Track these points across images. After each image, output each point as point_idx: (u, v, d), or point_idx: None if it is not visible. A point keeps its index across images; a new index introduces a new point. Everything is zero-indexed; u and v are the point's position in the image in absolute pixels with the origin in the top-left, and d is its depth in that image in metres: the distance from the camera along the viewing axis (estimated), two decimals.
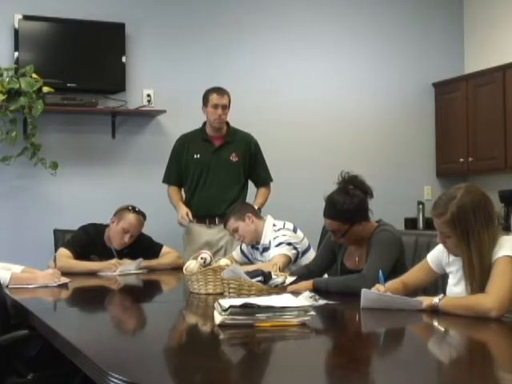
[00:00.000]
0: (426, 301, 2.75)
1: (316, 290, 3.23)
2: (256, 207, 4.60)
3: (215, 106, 4.77)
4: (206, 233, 4.83)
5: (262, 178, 4.97)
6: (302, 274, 3.54)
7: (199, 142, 4.90)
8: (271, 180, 5.01)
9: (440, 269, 2.96)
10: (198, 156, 4.87)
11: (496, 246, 2.71)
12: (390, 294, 2.85)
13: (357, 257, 3.52)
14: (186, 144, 4.94)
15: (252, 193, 5.01)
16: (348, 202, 3.40)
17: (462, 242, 2.73)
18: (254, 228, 4.18)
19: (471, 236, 2.71)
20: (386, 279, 2.99)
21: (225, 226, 4.38)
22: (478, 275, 2.70)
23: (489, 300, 2.60)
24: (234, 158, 4.84)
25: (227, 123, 4.92)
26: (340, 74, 6.26)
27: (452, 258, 2.87)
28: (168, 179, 4.99)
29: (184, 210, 4.77)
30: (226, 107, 4.79)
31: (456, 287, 2.86)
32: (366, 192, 3.48)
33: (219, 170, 4.82)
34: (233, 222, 4.23)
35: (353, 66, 6.29)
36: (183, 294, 3.68)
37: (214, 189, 4.81)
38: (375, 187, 3.51)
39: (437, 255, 2.97)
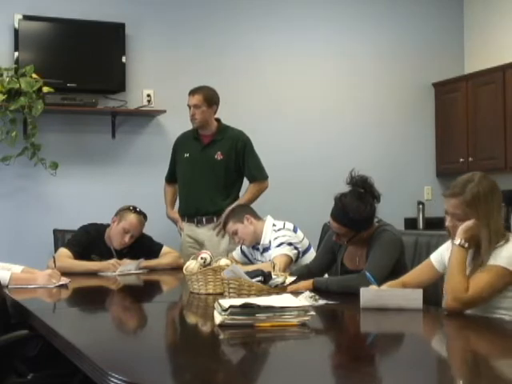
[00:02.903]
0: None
1: (316, 289, 3.23)
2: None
3: (188, 107, 4.81)
4: (194, 232, 4.85)
5: (252, 175, 4.91)
6: (302, 274, 3.53)
7: (190, 140, 4.92)
8: (263, 177, 4.90)
9: (442, 266, 2.96)
10: (188, 155, 4.89)
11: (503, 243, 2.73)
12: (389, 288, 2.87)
13: (357, 257, 3.52)
14: (180, 143, 4.99)
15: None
16: (361, 211, 3.35)
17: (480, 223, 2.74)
18: (253, 229, 4.17)
19: (490, 217, 2.74)
20: (377, 281, 3.00)
21: (224, 229, 4.39)
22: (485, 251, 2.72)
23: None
24: (219, 156, 4.82)
25: (218, 121, 4.91)
26: (340, 74, 6.26)
27: None
28: (166, 176, 5.09)
29: (181, 223, 4.93)
30: (196, 107, 4.76)
31: None
32: (375, 197, 3.45)
33: (205, 169, 4.81)
34: (231, 225, 4.22)
35: (353, 66, 6.29)
36: (183, 294, 3.68)
37: (201, 188, 4.80)
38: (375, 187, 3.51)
39: (440, 253, 2.98)
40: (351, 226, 3.38)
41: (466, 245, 2.74)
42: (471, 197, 2.75)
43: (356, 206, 3.35)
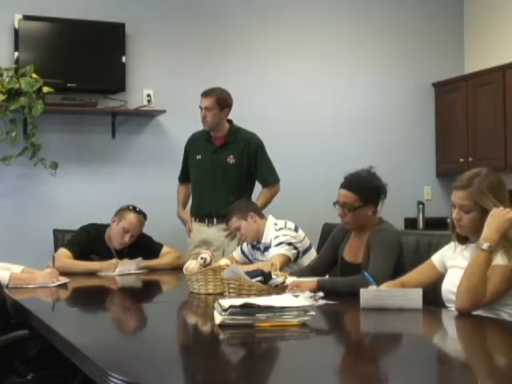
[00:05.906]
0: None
1: (321, 289, 3.20)
2: None
3: (200, 108, 4.78)
4: (204, 231, 4.83)
5: (264, 179, 4.91)
6: (305, 274, 3.51)
7: (202, 142, 4.89)
8: (275, 181, 4.91)
9: (442, 266, 2.96)
10: (199, 157, 4.87)
11: None
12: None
13: (357, 250, 3.50)
14: (192, 144, 4.96)
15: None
16: (371, 182, 3.47)
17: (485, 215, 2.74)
18: (256, 227, 4.17)
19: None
20: (376, 281, 3.00)
21: (227, 224, 4.38)
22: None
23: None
24: (231, 159, 4.80)
25: (230, 122, 4.89)
26: (340, 75, 6.26)
27: (461, 247, 2.87)
28: (179, 176, 5.07)
29: (190, 224, 4.91)
30: (208, 109, 4.72)
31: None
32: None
33: (217, 172, 4.79)
34: (235, 221, 4.22)
35: (353, 67, 6.29)
36: (183, 293, 3.67)
37: (213, 190, 4.79)
38: None
39: (441, 252, 2.99)
40: (359, 193, 3.42)
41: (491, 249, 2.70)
42: (479, 189, 2.78)
43: (366, 174, 3.49)
